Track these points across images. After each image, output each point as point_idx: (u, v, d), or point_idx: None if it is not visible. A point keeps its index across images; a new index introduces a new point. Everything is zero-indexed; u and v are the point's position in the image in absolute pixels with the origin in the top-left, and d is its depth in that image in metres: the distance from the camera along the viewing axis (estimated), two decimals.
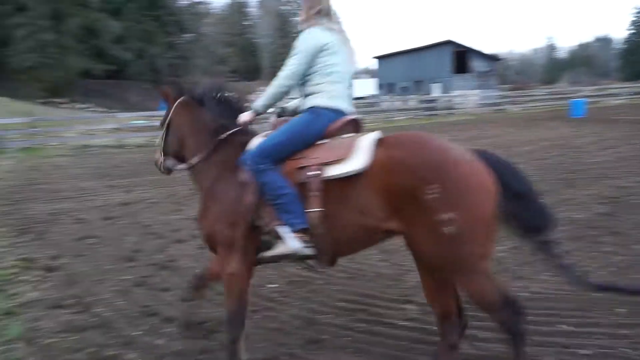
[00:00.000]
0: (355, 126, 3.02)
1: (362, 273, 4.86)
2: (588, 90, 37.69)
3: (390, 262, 5.14)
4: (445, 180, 2.50)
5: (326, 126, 2.90)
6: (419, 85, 47.82)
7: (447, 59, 45.41)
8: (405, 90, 48.97)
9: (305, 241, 2.79)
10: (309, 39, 2.92)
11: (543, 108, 30.92)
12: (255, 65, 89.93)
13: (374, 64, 64.68)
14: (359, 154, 2.68)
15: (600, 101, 32.88)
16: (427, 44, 48.41)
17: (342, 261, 5.12)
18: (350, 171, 2.67)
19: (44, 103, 44.99)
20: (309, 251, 2.82)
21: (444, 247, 2.52)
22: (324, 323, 3.83)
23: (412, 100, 33.81)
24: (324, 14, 3.02)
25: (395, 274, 4.83)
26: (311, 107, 2.93)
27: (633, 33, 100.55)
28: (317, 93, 2.93)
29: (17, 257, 5.69)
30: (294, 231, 2.78)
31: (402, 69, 51.27)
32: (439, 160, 2.56)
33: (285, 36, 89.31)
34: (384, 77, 55.27)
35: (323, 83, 2.93)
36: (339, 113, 2.94)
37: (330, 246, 2.80)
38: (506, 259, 5.11)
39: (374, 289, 4.44)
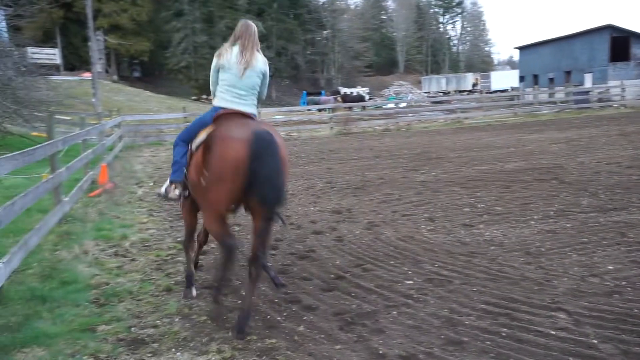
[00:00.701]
0: (241, 116, 4.15)
1: (504, 275, 4.62)
2: None
3: (535, 266, 4.82)
4: (208, 151, 3.77)
5: (212, 116, 4.17)
6: (568, 76, 44.11)
7: (603, 46, 41.36)
8: (552, 82, 45.46)
9: (174, 188, 4.30)
10: (213, 62, 4.34)
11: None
12: (392, 59, 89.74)
13: (516, 55, 61.03)
14: (202, 136, 4.02)
15: None
16: (578, 30, 44.23)
17: (482, 262, 4.92)
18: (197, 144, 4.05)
19: (196, 100, 49.19)
20: (173, 195, 4.32)
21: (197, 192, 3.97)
22: (464, 324, 3.69)
23: (560, 92, 31.25)
24: (235, 39, 4.26)
25: (541, 278, 4.51)
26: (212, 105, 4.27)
27: None
28: (215, 97, 4.29)
29: (175, 240, 6.23)
30: (170, 181, 4.32)
31: (548, 59, 47.73)
32: (212, 136, 3.84)
33: (422, 29, 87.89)
34: (526, 68, 51.93)
35: (218, 91, 4.26)
36: (219, 109, 4.19)
37: (189, 191, 4.26)
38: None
39: (517, 293, 4.18)
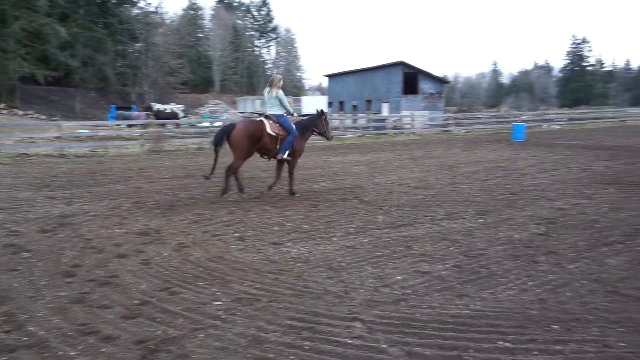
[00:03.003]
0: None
1: (309, 290, 4.82)
2: (529, 115, 40.14)
3: (337, 280, 5.13)
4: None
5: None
6: (369, 104, 48.58)
7: (397, 80, 46.37)
8: (355, 109, 49.64)
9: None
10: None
11: (487, 130, 32.11)
12: (208, 78, 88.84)
13: (325, 82, 65.21)
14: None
15: (539, 126, 34.59)
16: (378, 64, 49.20)
17: (289, 279, 5.08)
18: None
19: None
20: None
21: None
22: (270, 341, 3.76)
23: (362, 119, 34.31)
24: (267, 85, 9.34)
25: (341, 291, 4.81)
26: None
27: (569, 62, 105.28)
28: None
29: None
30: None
31: (352, 87, 52.05)
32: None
33: (238, 50, 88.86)
34: (334, 95, 55.85)
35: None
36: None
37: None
38: (449, 277, 5.19)
39: (320, 307, 4.40)
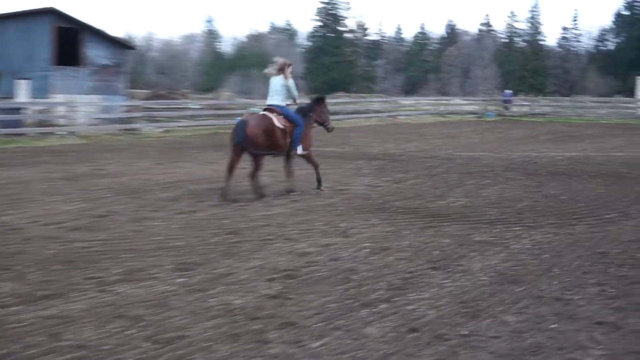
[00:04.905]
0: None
1: None
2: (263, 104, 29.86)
3: None
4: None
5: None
6: None
7: (44, 40, 29.32)
8: None
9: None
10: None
11: (199, 129, 24.46)
12: None
13: None
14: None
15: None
16: (8, 11, 31.97)
17: None
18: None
19: None
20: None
21: None
22: None
23: None
24: (273, 69, 9.65)
25: None
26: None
27: (321, 25, 79.86)
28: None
29: None
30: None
31: None
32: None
33: None
34: None
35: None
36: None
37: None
38: None
39: None
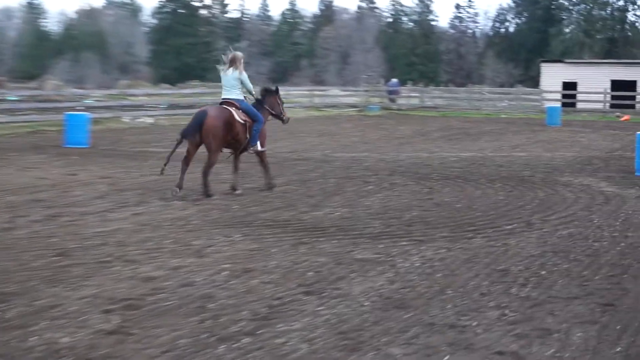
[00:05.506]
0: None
1: None
2: (99, 96, 26.60)
3: None
4: None
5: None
6: None
7: None
8: None
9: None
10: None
11: (19, 126, 20.74)
12: None
13: None
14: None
15: (118, 118, 23.08)
16: None
17: None
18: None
19: None
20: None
21: None
22: None
23: None
24: (225, 62, 9.55)
25: None
26: None
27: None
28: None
29: None
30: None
31: None
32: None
33: None
34: None
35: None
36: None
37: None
38: None
39: None
